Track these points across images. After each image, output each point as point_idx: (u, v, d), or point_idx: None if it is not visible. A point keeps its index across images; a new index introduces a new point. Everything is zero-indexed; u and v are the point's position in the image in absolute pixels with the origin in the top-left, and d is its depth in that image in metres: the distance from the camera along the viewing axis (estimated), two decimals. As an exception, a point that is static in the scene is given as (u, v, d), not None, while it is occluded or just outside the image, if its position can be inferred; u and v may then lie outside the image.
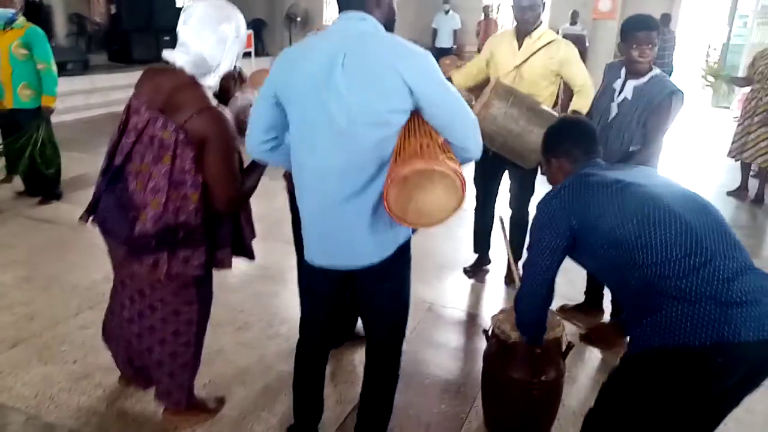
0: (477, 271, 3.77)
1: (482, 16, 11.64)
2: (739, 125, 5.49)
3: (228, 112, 1.91)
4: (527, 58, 3.19)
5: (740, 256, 1.50)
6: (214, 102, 1.86)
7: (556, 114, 3.12)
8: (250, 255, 2.17)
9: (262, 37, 14.18)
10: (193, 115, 1.78)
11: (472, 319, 3.25)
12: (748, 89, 5.53)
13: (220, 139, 1.81)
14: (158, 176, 1.79)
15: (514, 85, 3.15)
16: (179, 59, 1.85)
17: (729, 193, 5.69)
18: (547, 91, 3.26)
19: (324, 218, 1.69)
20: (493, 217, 3.68)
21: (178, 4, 11.95)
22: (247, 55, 11.47)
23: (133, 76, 9.76)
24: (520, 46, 3.23)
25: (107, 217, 1.95)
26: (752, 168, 5.62)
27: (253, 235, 2.17)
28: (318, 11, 14.26)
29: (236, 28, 1.91)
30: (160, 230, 1.80)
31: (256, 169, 2.00)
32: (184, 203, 1.81)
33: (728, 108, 10.43)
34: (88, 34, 13.21)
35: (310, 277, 1.88)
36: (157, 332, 2.04)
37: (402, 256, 1.78)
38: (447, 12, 11.70)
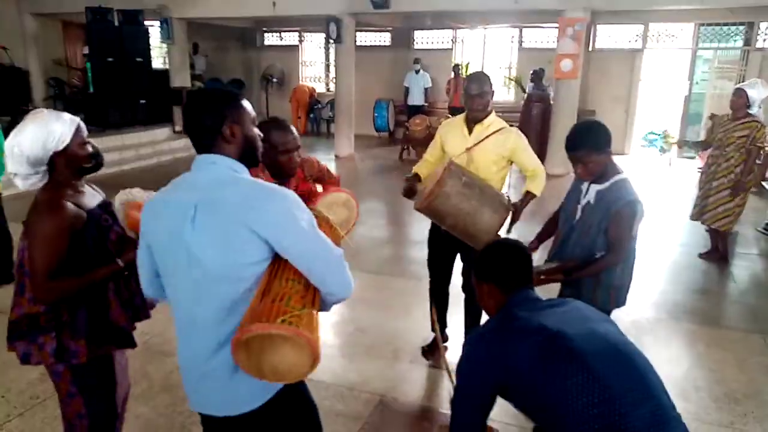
0: (435, 350, 3.75)
1: (452, 75, 11.92)
2: (700, 189, 5.56)
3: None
4: (478, 143, 3.24)
5: (665, 421, 1.46)
6: (58, 193, 1.93)
7: (506, 198, 3.16)
8: (129, 343, 2.13)
9: (239, 96, 14.39)
10: (30, 209, 1.91)
11: (424, 413, 3.18)
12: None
13: (34, 224, 1.87)
14: (16, 269, 1.98)
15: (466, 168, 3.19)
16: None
17: (701, 255, 5.69)
18: (497, 175, 3.30)
19: (194, 367, 1.64)
20: (447, 296, 3.70)
21: (154, 67, 12.18)
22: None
23: (107, 140, 9.76)
24: (470, 132, 3.28)
25: None
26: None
27: (134, 319, 2.13)
28: (294, 72, 14.57)
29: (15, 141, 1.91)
30: (17, 318, 1.95)
31: (96, 273, 1.94)
32: (32, 294, 1.92)
33: (694, 158, 10.69)
34: (66, 98, 13.34)
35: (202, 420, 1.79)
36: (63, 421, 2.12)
37: (288, 400, 1.67)
38: (417, 71, 11.99)
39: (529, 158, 3.30)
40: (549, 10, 9.38)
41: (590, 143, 2.49)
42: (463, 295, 3.57)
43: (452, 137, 3.38)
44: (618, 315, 4.14)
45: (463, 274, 3.51)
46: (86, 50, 11.76)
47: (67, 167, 1.95)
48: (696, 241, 6.08)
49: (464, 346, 1.72)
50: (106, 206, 2.09)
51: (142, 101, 11.49)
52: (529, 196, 3.31)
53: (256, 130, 1.65)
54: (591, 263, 2.55)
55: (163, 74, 12.29)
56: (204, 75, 13.83)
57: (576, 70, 9.12)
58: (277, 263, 1.53)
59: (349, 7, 10.47)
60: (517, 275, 1.78)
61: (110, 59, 10.92)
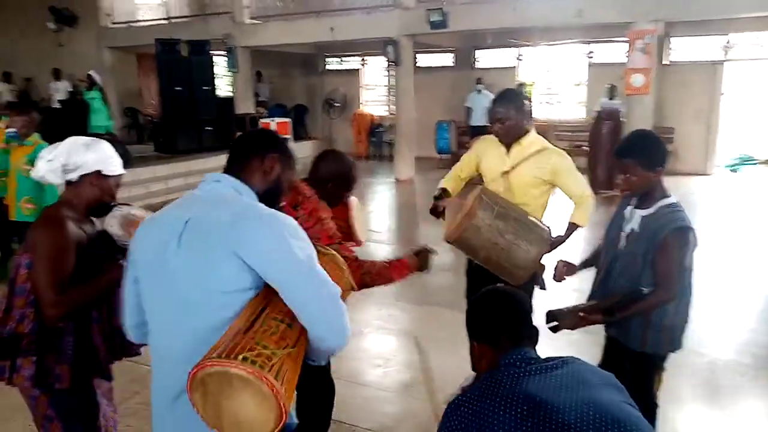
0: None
1: (517, 94, 11.54)
2: None
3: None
4: (516, 165, 2.96)
5: None
6: (63, 212, 1.92)
7: (546, 227, 2.87)
8: (105, 375, 2.05)
9: (304, 122, 14.60)
10: (32, 227, 1.91)
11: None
12: None
13: (41, 243, 1.85)
14: (9, 284, 1.91)
15: (502, 194, 2.93)
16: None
17: None
18: (538, 201, 3.00)
19: (162, 404, 1.44)
20: None
21: (219, 95, 12.53)
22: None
23: (174, 167, 10.01)
24: (508, 152, 3.01)
25: None
26: None
27: (112, 355, 2.05)
28: (356, 96, 14.61)
29: (59, 156, 1.95)
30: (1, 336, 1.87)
31: (101, 279, 1.89)
32: (20, 311, 1.87)
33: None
34: (140, 126, 13.98)
35: None
36: None
37: None
38: (480, 91, 11.67)
39: (574, 182, 2.97)
40: (616, 24, 8.88)
41: (640, 155, 2.23)
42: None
43: (489, 156, 3.10)
44: (692, 358, 3.79)
45: None
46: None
47: (90, 191, 1.96)
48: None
49: (445, 412, 1.49)
50: (103, 235, 2.05)
51: (208, 128, 11.80)
52: (573, 227, 2.98)
53: (288, 185, 1.60)
54: (637, 300, 2.23)
55: (229, 101, 12.61)
56: (268, 102, 14.12)
57: (648, 86, 8.56)
58: (266, 297, 1.35)
59: (407, 29, 10.37)
60: (513, 331, 1.54)
61: (178, 88, 11.32)
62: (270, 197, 1.51)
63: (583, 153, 10.05)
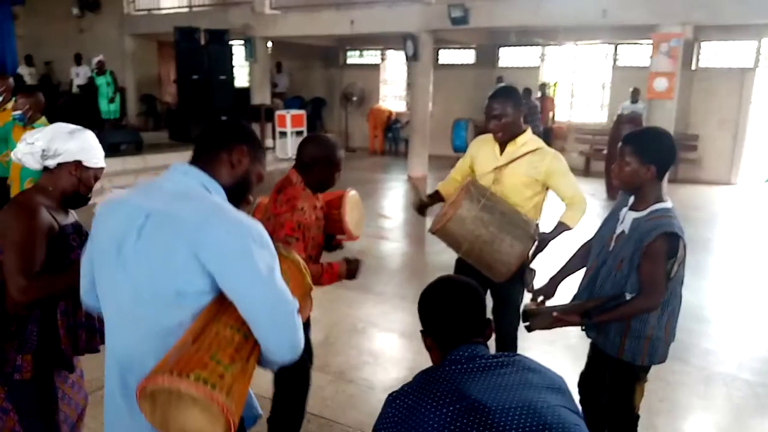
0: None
1: (538, 94, 11.29)
2: None
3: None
4: (508, 163, 2.87)
5: None
6: (36, 198, 1.89)
7: (533, 224, 2.80)
8: (67, 367, 1.99)
9: (321, 116, 14.51)
10: (3, 212, 1.87)
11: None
12: None
13: (11, 228, 1.80)
14: None
15: (493, 190, 2.82)
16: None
17: None
18: (530, 202, 2.90)
19: (107, 412, 1.42)
20: None
21: (237, 85, 12.49)
22: (299, 134, 11.69)
23: (185, 155, 10.28)
24: (502, 152, 2.91)
25: None
26: None
27: (76, 349, 1.98)
28: (374, 90, 14.48)
29: (38, 141, 1.93)
30: None
31: (70, 271, 1.82)
32: None
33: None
34: (156, 113, 14.02)
35: None
36: None
37: None
38: (500, 90, 11.45)
39: (566, 184, 2.87)
40: (641, 25, 8.61)
41: (639, 145, 2.15)
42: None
43: (482, 154, 3.01)
44: (688, 369, 3.62)
45: (494, 312, 3.00)
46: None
47: (68, 180, 1.93)
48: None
49: (383, 407, 1.42)
50: (77, 227, 2.03)
51: (224, 117, 11.73)
52: (561, 227, 2.87)
53: (255, 179, 1.54)
54: (618, 306, 2.13)
55: (245, 92, 12.57)
56: (286, 93, 14.04)
57: (671, 90, 8.26)
58: (223, 301, 1.32)
59: (427, 24, 10.19)
60: (461, 326, 1.44)
61: (195, 77, 11.30)
62: (238, 191, 1.48)
63: (603, 157, 9.79)
